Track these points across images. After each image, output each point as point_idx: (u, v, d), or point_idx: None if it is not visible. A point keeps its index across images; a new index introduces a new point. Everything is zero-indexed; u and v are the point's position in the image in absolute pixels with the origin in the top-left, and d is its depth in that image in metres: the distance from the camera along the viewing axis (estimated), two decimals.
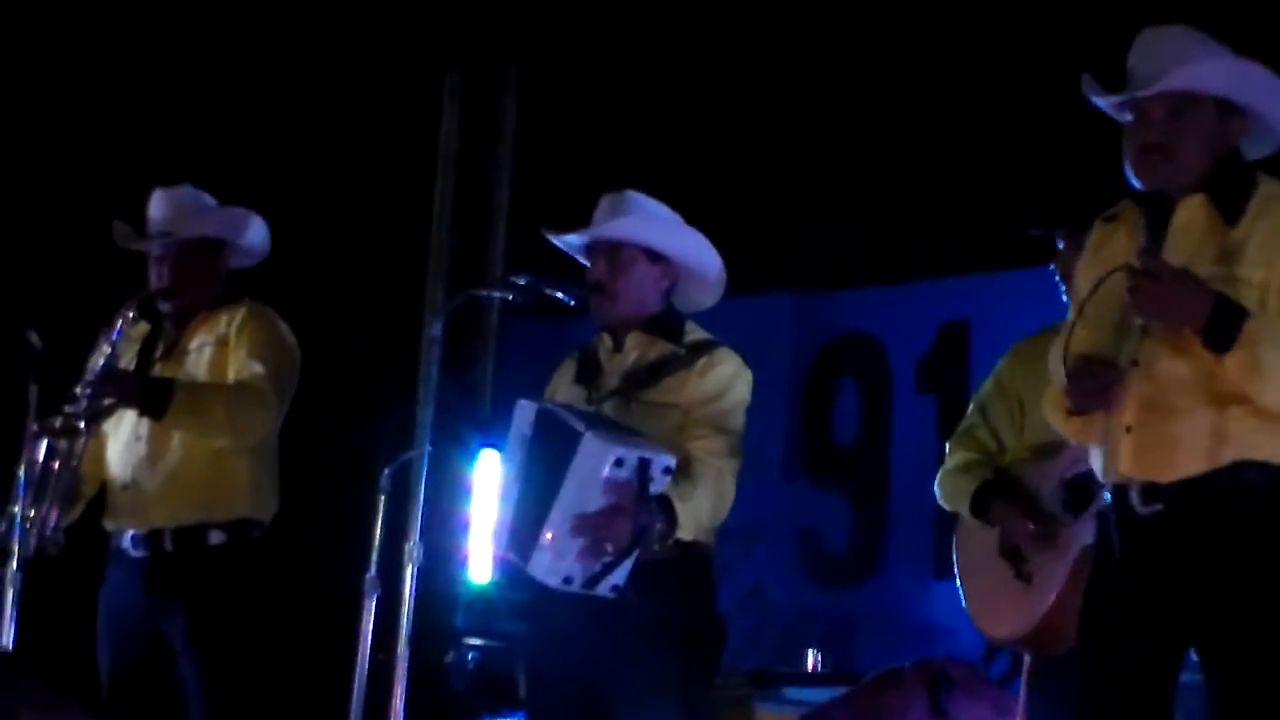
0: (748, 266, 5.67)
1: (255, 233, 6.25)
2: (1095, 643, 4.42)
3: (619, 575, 5.06)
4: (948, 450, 5.56)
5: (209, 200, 6.28)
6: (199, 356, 6.05)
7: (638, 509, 5.01)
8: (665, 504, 5.06)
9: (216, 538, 5.96)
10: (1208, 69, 4.35)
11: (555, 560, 5.09)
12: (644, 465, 5.03)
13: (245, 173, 6.91)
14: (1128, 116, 4.44)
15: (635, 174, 5.78)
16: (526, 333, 9.15)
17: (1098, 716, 4.38)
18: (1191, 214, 4.35)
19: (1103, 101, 4.46)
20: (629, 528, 5.02)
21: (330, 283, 9.14)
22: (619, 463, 5.02)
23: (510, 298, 5.91)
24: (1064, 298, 5.34)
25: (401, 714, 5.19)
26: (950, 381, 8.61)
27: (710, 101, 9.14)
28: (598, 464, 5.04)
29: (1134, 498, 4.31)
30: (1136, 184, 4.43)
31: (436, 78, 9.44)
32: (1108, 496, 4.44)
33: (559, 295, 5.47)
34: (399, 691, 5.19)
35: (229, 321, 6.08)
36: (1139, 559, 4.31)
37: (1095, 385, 4.33)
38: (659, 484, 5.05)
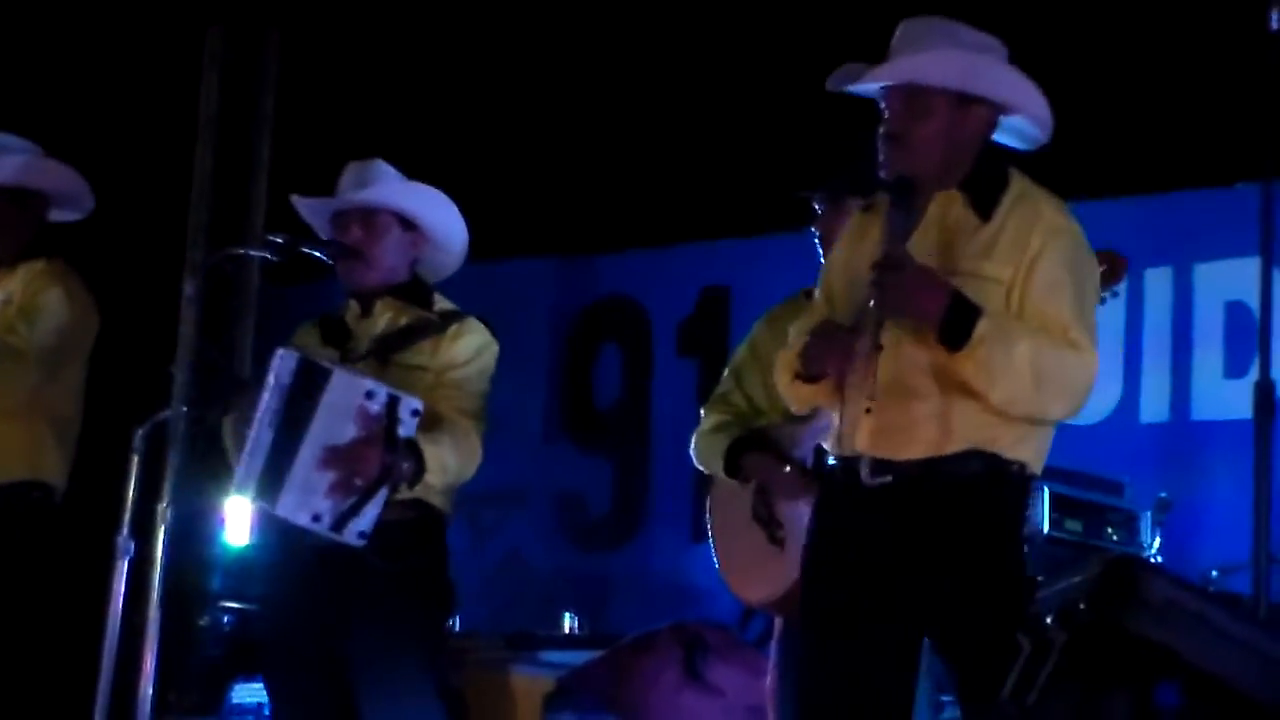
0: (509, 231, 5.70)
1: (65, 183, 6.15)
2: (817, 614, 4.47)
3: (366, 520, 5.07)
4: (703, 414, 5.60)
5: (16, 147, 6.16)
6: None
7: (385, 444, 5.05)
8: (413, 447, 5.11)
9: None
10: (931, 60, 4.40)
11: (304, 496, 5.11)
12: (393, 402, 5.07)
13: (3, 129, 6.76)
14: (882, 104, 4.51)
15: (396, 138, 5.78)
16: (289, 295, 9.07)
17: (826, 682, 4.42)
18: (945, 209, 4.42)
19: (848, 88, 4.52)
20: (378, 461, 5.06)
21: (89, 241, 8.98)
22: (370, 394, 5.08)
23: (268, 256, 5.85)
24: (824, 261, 5.40)
25: (153, 677, 5.14)
26: (711, 345, 8.68)
27: (471, 67, 9.12)
28: (349, 396, 5.10)
29: (864, 471, 4.37)
30: (883, 173, 4.47)
31: (197, 37, 9.31)
32: (831, 461, 4.49)
33: (317, 254, 5.46)
34: (150, 654, 5.14)
35: (23, 278, 6.00)
36: (861, 527, 4.38)
37: (830, 348, 4.38)
38: (408, 426, 5.09)
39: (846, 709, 4.35)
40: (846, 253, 4.59)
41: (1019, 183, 4.45)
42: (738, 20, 8.38)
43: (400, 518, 5.18)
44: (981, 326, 4.21)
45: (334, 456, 5.10)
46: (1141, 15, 7.48)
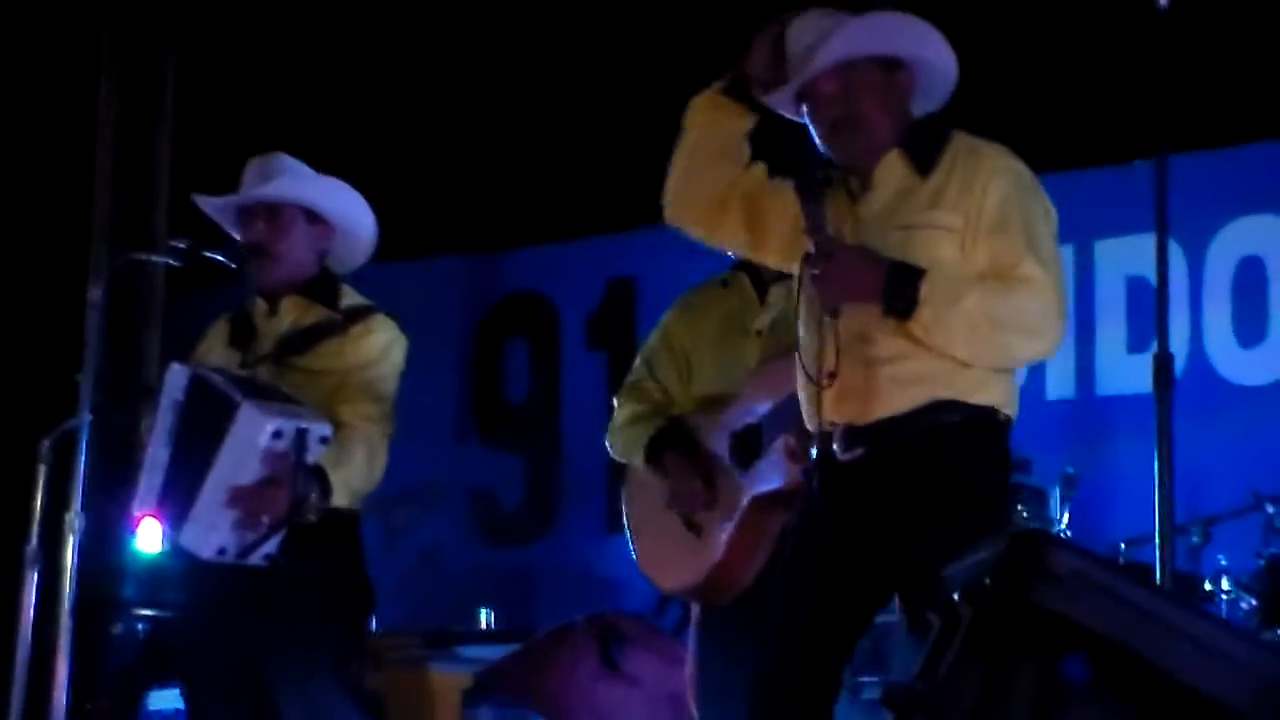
0: (415, 230, 5.66)
1: None
2: (793, 586, 4.43)
3: (272, 545, 5.00)
4: (616, 404, 5.57)
5: None
6: None
7: (294, 480, 4.95)
8: (319, 473, 5.01)
9: None
10: (856, 30, 4.41)
11: (207, 532, 5.01)
12: (301, 435, 4.96)
13: None
14: (802, 107, 4.49)
15: (297, 137, 5.74)
16: (195, 299, 9.03)
17: (781, 659, 4.40)
18: (887, 171, 4.41)
19: (771, 98, 4.50)
20: (285, 499, 4.95)
21: None
22: (277, 434, 4.94)
23: (171, 261, 5.81)
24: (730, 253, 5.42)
25: (65, 687, 5.11)
26: (619, 338, 8.70)
27: (371, 64, 9.10)
28: (254, 435, 4.95)
29: (836, 444, 4.35)
30: (838, 161, 4.45)
31: (93, 38, 9.25)
32: (815, 451, 4.44)
33: (219, 258, 5.40)
34: (63, 663, 5.11)
35: None
36: (841, 506, 4.36)
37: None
38: (314, 453, 4.98)
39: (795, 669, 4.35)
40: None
41: (960, 137, 4.46)
42: (639, 12, 8.40)
43: (307, 522, 5.06)
44: (924, 289, 4.21)
45: (240, 496, 4.99)
46: None
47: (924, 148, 4.41)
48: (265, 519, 4.98)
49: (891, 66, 4.44)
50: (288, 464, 4.95)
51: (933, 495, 4.27)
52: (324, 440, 5.00)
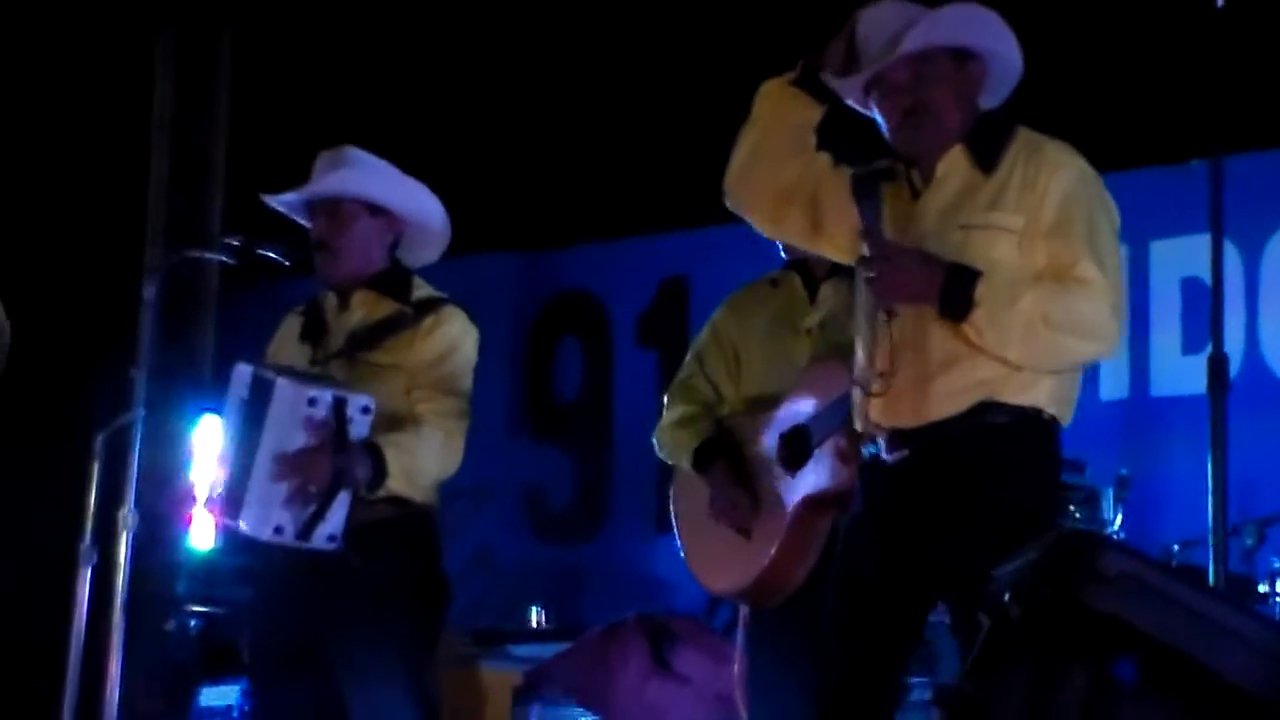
0: (467, 226, 5.63)
1: None
2: (845, 593, 4.42)
3: (333, 524, 5.01)
4: (666, 402, 5.58)
5: None
6: None
7: (334, 447, 4.98)
8: (373, 449, 5.02)
9: None
10: (933, 22, 4.40)
11: (263, 510, 5.03)
12: (339, 404, 5.00)
13: None
14: (870, 97, 4.48)
15: (352, 134, 5.73)
16: (250, 296, 9.06)
17: (843, 666, 4.38)
18: (950, 166, 4.40)
19: (840, 85, 4.49)
20: (328, 465, 4.98)
21: (48, 246, 8.97)
22: (312, 402, 4.99)
23: (225, 259, 5.82)
24: (782, 252, 5.41)
25: (118, 683, 5.12)
26: (671, 336, 8.69)
27: (426, 61, 9.12)
28: (293, 406, 5.01)
29: (882, 446, 4.35)
30: (903, 152, 4.44)
31: (148, 40, 9.30)
32: (868, 451, 4.44)
33: (272, 255, 5.40)
34: (115, 660, 5.12)
35: None
36: (888, 509, 4.35)
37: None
38: (359, 425, 5.01)
39: (850, 669, 4.34)
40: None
41: (1024, 133, 4.44)
42: (691, 11, 8.40)
43: (380, 517, 5.09)
44: (980, 290, 4.20)
45: (284, 467, 5.01)
46: None
47: (988, 144, 4.40)
48: (312, 488, 4.99)
49: (963, 58, 4.44)
50: (329, 432, 4.98)
51: (976, 497, 4.25)
52: (366, 410, 5.01)
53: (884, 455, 4.35)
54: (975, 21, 4.46)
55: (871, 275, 4.29)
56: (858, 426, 4.46)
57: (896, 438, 4.33)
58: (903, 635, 4.40)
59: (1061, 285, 4.25)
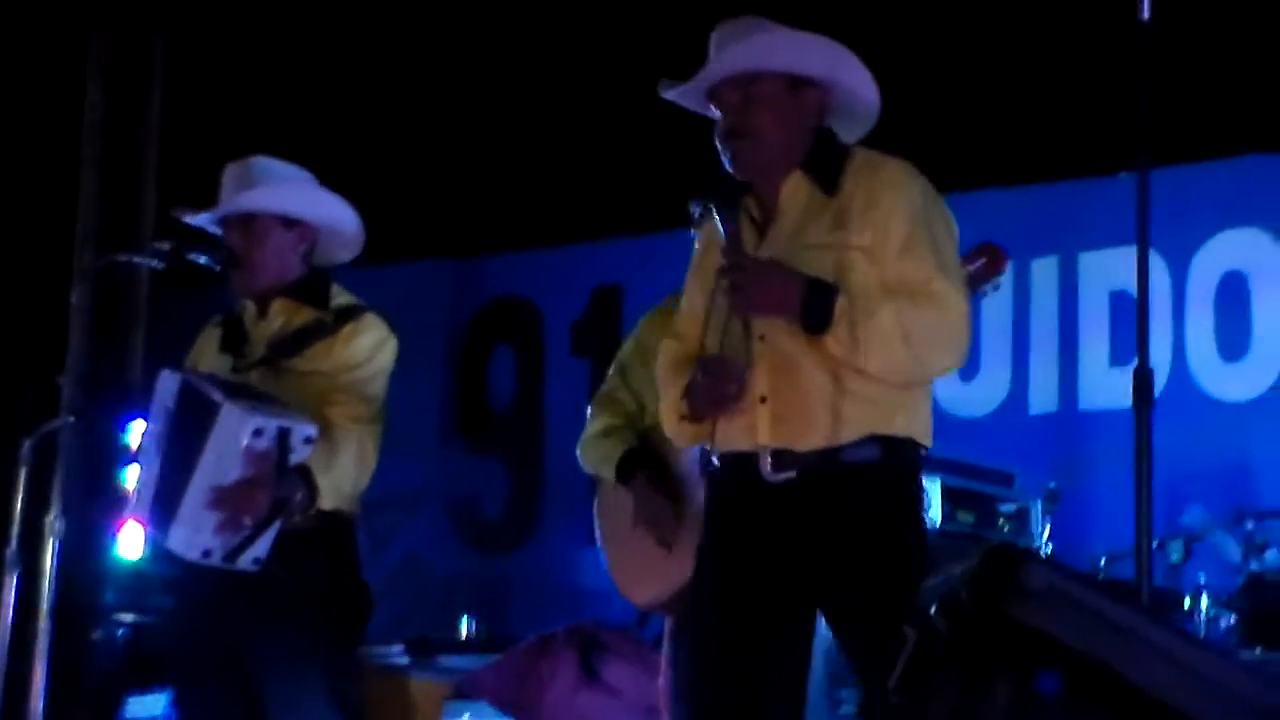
0: (401, 234, 5.63)
1: None
2: (715, 611, 4.41)
3: (260, 547, 4.97)
4: (589, 414, 5.58)
5: None
6: None
7: (276, 480, 4.93)
8: (305, 473, 4.99)
9: None
10: (763, 44, 4.41)
11: (193, 534, 4.98)
12: (284, 434, 4.94)
13: None
14: (716, 112, 4.49)
15: (283, 140, 5.72)
16: (181, 301, 9.03)
17: (718, 681, 4.37)
18: (793, 191, 4.42)
19: (679, 97, 4.49)
20: (267, 499, 4.93)
21: None
22: (258, 433, 4.92)
23: (154, 264, 5.79)
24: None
25: (43, 691, 5.10)
26: (604, 345, 8.65)
27: (359, 66, 9.10)
28: (236, 434, 4.94)
29: (765, 465, 4.34)
30: (731, 170, 4.44)
31: (80, 43, 9.26)
32: (715, 462, 4.41)
33: (202, 260, 5.37)
34: (40, 668, 5.10)
35: None
36: (765, 526, 4.34)
37: (721, 385, 4.30)
38: (300, 454, 4.97)
39: (739, 698, 4.34)
40: (698, 271, 4.58)
41: (860, 153, 4.47)
42: (621, 22, 8.40)
43: (302, 526, 5.06)
44: (840, 303, 4.22)
45: (222, 497, 4.96)
46: (1020, 7, 7.55)
47: (825, 167, 4.42)
48: (247, 520, 4.96)
49: (799, 85, 4.44)
50: (270, 464, 4.92)
51: (857, 527, 4.28)
52: (309, 440, 4.98)
53: (767, 475, 4.34)
54: (816, 50, 4.44)
55: (730, 287, 4.27)
56: (729, 445, 4.38)
57: (783, 458, 4.33)
58: (779, 652, 4.38)
59: (914, 299, 4.28)
